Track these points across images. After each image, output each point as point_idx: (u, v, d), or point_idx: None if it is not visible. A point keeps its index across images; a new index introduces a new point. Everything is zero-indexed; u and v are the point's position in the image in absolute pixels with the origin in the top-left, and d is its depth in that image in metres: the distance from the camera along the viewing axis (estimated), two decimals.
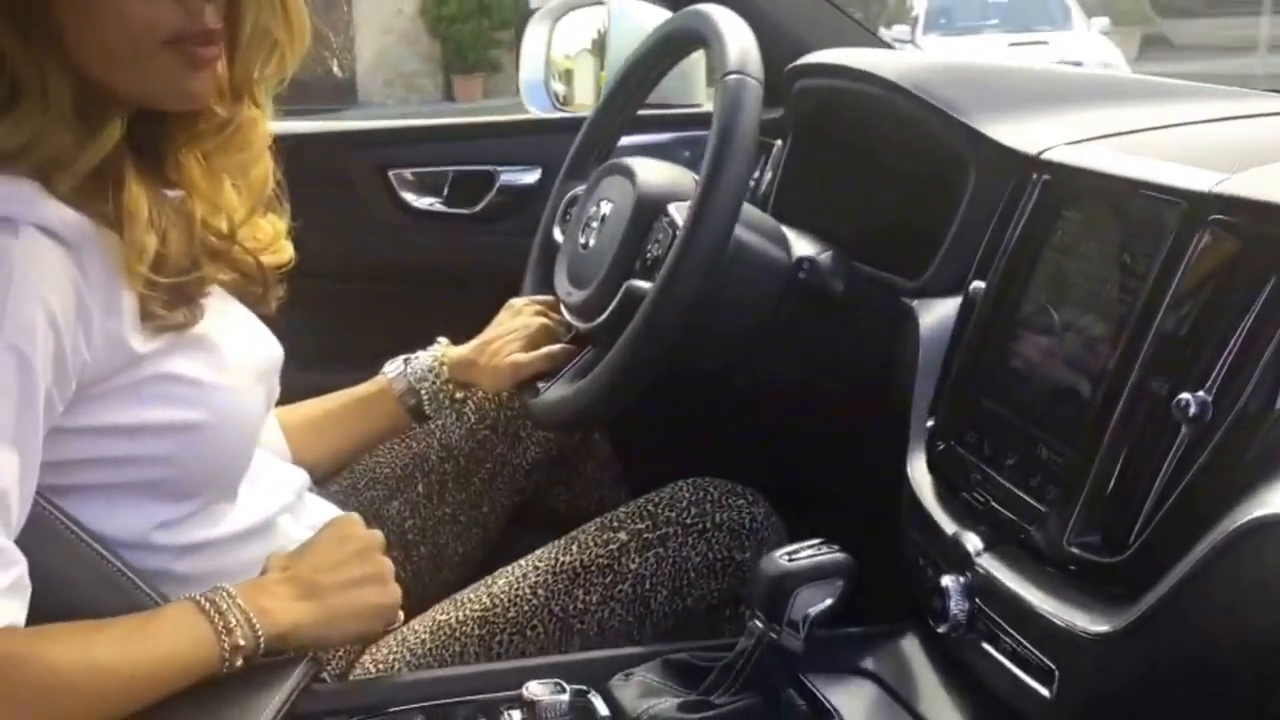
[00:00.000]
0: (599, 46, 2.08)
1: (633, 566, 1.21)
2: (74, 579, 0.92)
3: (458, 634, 1.17)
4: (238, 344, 1.06)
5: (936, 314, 1.20)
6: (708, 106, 1.91)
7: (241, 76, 1.03)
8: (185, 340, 1.00)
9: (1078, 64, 11.46)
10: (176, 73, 0.96)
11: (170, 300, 0.98)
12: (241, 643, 0.94)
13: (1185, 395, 0.80)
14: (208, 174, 1.07)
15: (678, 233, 1.20)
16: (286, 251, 1.16)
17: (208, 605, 0.94)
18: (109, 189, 0.95)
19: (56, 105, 0.92)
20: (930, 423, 1.12)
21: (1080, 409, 0.92)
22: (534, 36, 2.06)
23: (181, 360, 0.99)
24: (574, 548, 1.23)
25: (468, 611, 1.19)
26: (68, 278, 0.90)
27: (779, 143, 1.62)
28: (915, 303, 1.25)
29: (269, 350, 1.14)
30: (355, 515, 1.11)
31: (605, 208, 1.33)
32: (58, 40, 0.92)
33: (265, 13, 1.00)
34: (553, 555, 1.22)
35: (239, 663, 0.94)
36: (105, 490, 0.98)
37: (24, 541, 0.86)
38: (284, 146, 1.12)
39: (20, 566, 0.85)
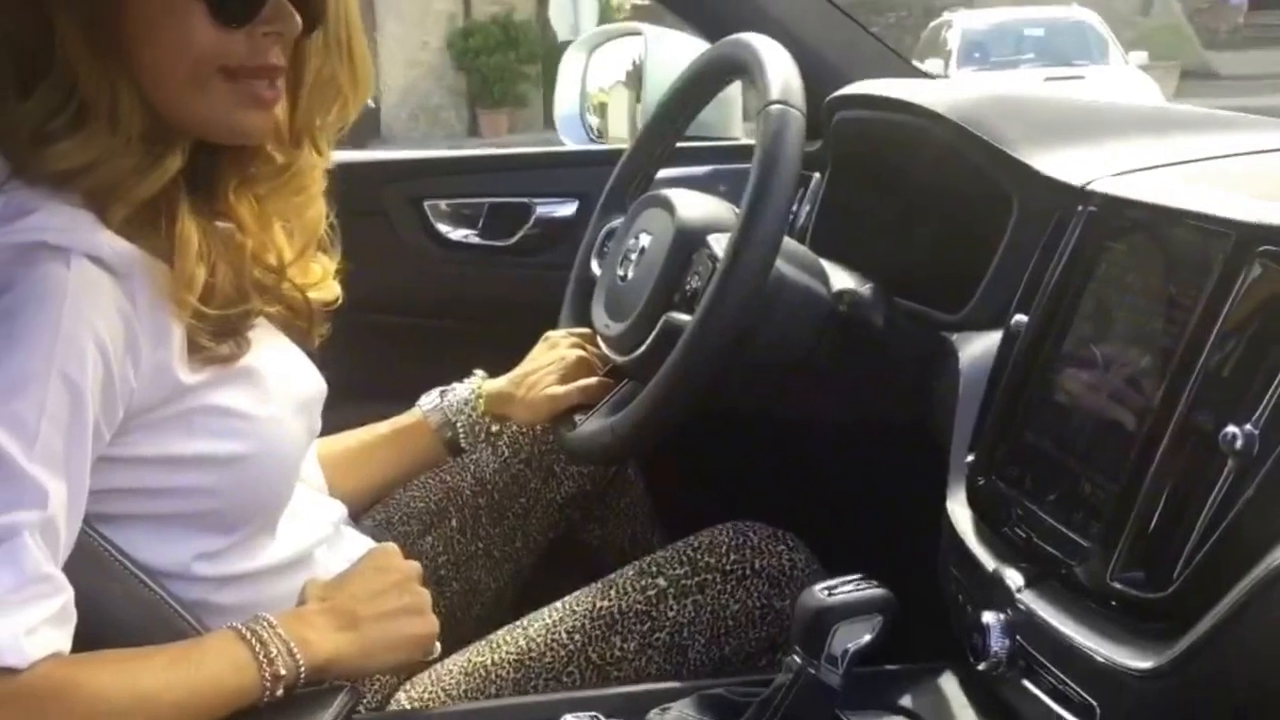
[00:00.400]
0: (634, 79, 2.11)
1: (671, 613, 1.22)
2: (117, 607, 0.94)
3: (492, 676, 1.19)
4: (282, 377, 1.08)
5: (977, 348, 1.21)
6: (745, 139, 1.94)
7: (303, 122, 1.06)
8: (231, 372, 1.02)
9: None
10: (234, 107, 0.99)
11: (217, 332, 1.00)
12: (283, 672, 0.96)
13: (1232, 429, 0.80)
14: (259, 215, 1.09)
15: (717, 265, 1.21)
16: (334, 290, 1.18)
17: (249, 635, 0.96)
18: (161, 220, 0.98)
19: (124, 128, 0.95)
20: (970, 457, 1.12)
21: (1124, 443, 0.92)
22: (569, 68, 2.09)
23: (227, 392, 1.01)
24: (611, 592, 1.24)
25: (503, 654, 1.20)
26: (117, 308, 0.93)
27: (816, 175, 1.64)
28: (955, 336, 1.26)
29: (312, 383, 1.16)
30: (393, 546, 1.12)
31: (644, 240, 1.35)
32: (128, 62, 0.95)
33: (332, 60, 1.04)
34: (590, 599, 1.23)
35: (280, 692, 0.96)
36: (149, 520, 1.00)
37: (69, 568, 0.88)
38: None
39: (66, 594, 0.87)
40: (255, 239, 1.09)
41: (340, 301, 1.18)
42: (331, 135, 1.10)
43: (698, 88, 1.44)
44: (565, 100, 2.10)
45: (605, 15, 14.99)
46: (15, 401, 0.86)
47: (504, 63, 16.62)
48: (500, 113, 16.73)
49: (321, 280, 1.17)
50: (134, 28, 0.95)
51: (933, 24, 14.88)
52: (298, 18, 0.99)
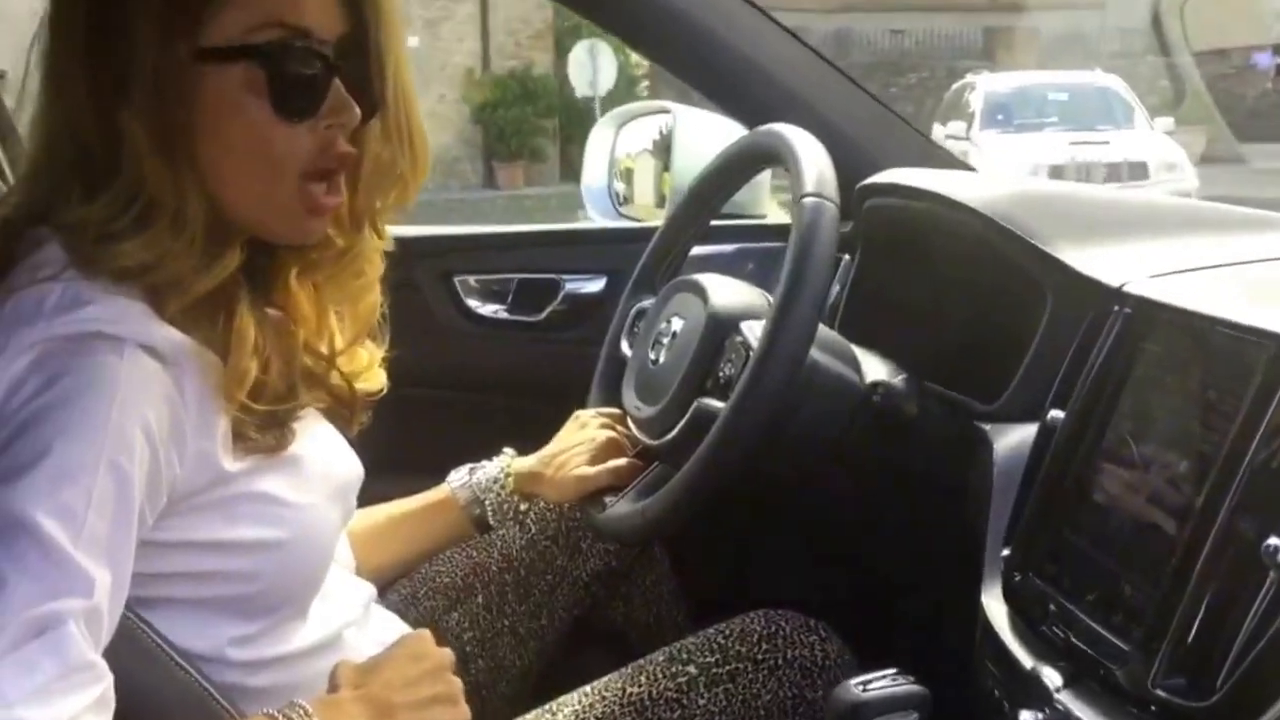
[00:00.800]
0: (660, 147, 2.15)
1: (701, 702, 1.23)
2: (155, 691, 0.96)
3: None
4: (322, 463, 1.10)
5: (1012, 440, 1.23)
6: (773, 218, 1.97)
7: (364, 205, 1.08)
8: (274, 460, 1.04)
9: (1141, 164, 11.53)
10: (297, 212, 1.02)
11: (263, 425, 1.02)
12: None
13: (1274, 540, 0.82)
14: (316, 303, 1.11)
15: (751, 354, 1.24)
16: (379, 380, 1.19)
17: None
18: (218, 313, 1.00)
19: (189, 230, 0.97)
20: (1006, 551, 1.14)
21: (1165, 547, 0.94)
22: (599, 141, 2.13)
23: (269, 479, 1.03)
24: (642, 678, 1.25)
25: None
26: (165, 396, 0.95)
27: (846, 257, 1.66)
28: (989, 427, 1.28)
29: (351, 469, 1.18)
30: (426, 633, 1.14)
31: (676, 324, 1.38)
32: (195, 163, 0.97)
33: (392, 145, 1.06)
34: (619, 684, 1.25)
35: None
36: (186, 604, 1.02)
37: (108, 652, 0.90)
38: None
39: (106, 681, 0.89)
40: (309, 327, 1.11)
41: (385, 390, 1.19)
42: (391, 216, 1.12)
43: (730, 174, 1.47)
44: (593, 173, 2.13)
45: (624, 71, 15.18)
46: (65, 491, 0.88)
47: (521, 116, 16.81)
48: (516, 165, 16.90)
49: (367, 369, 1.19)
50: (202, 129, 0.97)
51: (955, 86, 14.99)
52: (357, 109, 1.02)
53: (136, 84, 0.95)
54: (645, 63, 14.57)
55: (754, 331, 1.28)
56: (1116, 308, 1.10)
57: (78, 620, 0.86)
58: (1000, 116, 13.24)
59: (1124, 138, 12.14)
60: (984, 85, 13.98)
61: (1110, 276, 1.14)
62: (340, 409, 1.15)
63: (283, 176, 1.00)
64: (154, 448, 0.93)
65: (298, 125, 0.99)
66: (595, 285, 1.90)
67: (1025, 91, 13.88)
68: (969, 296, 1.47)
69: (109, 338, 0.92)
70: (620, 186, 2.18)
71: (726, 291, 1.35)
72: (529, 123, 16.90)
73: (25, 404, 0.90)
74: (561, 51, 16.32)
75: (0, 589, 0.83)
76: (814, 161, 1.26)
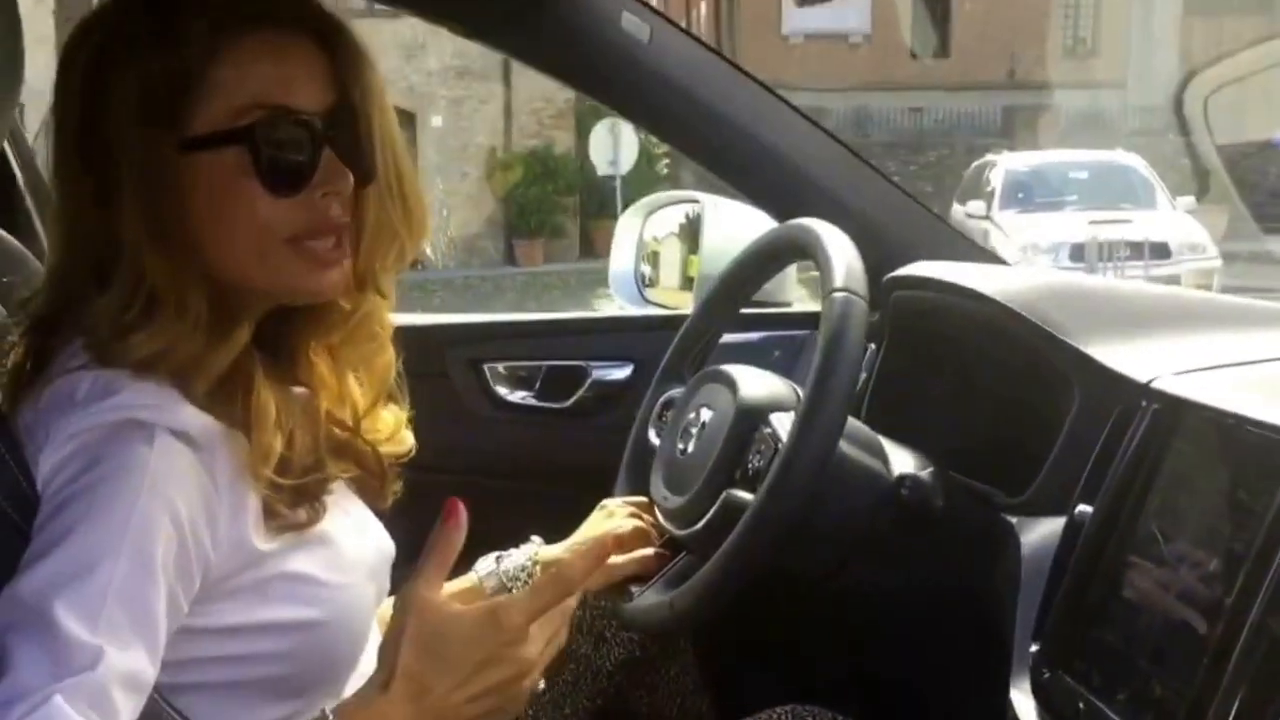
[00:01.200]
0: (685, 232, 2.19)
1: None
2: None
3: None
4: (355, 541, 1.12)
5: (1039, 533, 1.24)
6: (798, 306, 2.00)
7: (365, 267, 1.10)
8: (306, 538, 1.05)
9: (1163, 244, 11.54)
10: (301, 273, 1.04)
11: (293, 500, 1.04)
12: None
13: None
14: (334, 368, 1.14)
15: (780, 446, 1.25)
16: (407, 441, 1.21)
17: None
18: (237, 392, 1.02)
19: (192, 313, 1.00)
20: (1035, 647, 1.15)
21: (1196, 646, 0.95)
22: (626, 229, 2.17)
23: (302, 558, 1.05)
24: None
25: None
26: (197, 483, 0.97)
27: (872, 346, 1.68)
28: (1016, 520, 1.29)
29: (383, 546, 1.19)
30: (505, 602, 1.04)
31: (704, 415, 1.39)
32: (192, 247, 1.01)
33: (387, 206, 1.08)
34: None
35: None
36: (220, 688, 1.03)
37: None
38: None
39: None
40: (330, 392, 1.14)
41: (413, 453, 1.21)
42: (393, 277, 1.14)
43: (759, 266, 1.50)
44: (620, 260, 2.17)
45: (645, 150, 15.35)
46: (84, 577, 0.90)
47: (542, 194, 17.00)
48: (536, 243, 17.05)
49: (394, 433, 1.21)
50: (195, 213, 1.00)
51: (975, 164, 15.07)
52: (350, 176, 1.04)
53: (127, 181, 0.98)
54: None
55: (783, 424, 1.29)
56: (1144, 404, 1.11)
57: (82, 703, 0.87)
58: (1020, 195, 13.29)
59: (1146, 217, 12.14)
60: (1004, 164, 14.04)
61: (1137, 372, 1.15)
62: (370, 480, 1.17)
63: (274, 246, 1.02)
64: (183, 535, 0.95)
65: (290, 198, 1.02)
66: (622, 373, 1.92)
67: (1045, 170, 13.95)
68: (996, 388, 1.48)
69: (141, 424, 0.95)
70: (646, 269, 2.21)
71: (755, 383, 1.37)
72: (550, 200, 17.08)
73: (59, 491, 0.93)
74: (583, 130, 16.52)
75: (10, 671, 0.85)
76: (843, 256, 1.28)
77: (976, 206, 13.17)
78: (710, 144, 1.68)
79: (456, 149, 17.23)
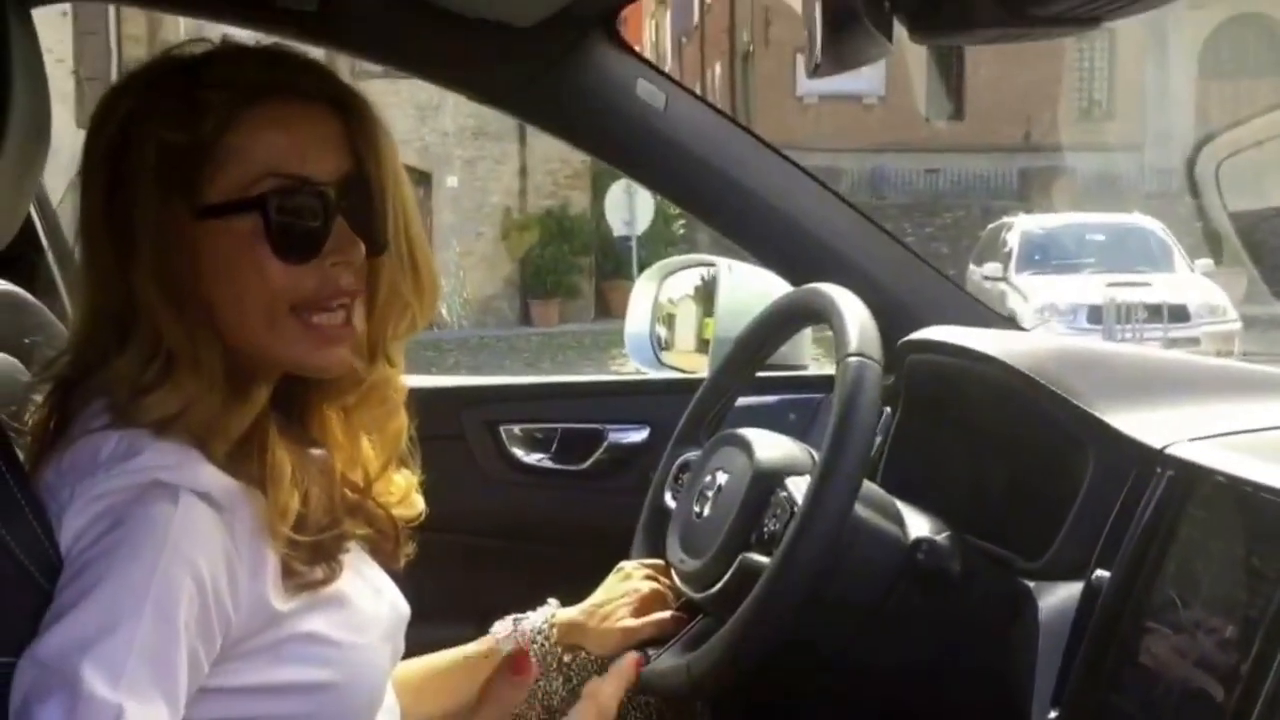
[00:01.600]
0: (702, 294, 2.21)
1: None
2: None
3: None
4: (370, 602, 1.13)
5: (1057, 598, 1.25)
6: (814, 369, 2.02)
7: (377, 337, 1.13)
8: (323, 599, 1.07)
9: (1181, 306, 11.53)
10: (310, 348, 1.07)
11: (311, 558, 1.05)
12: None
13: None
14: (348, 430, 1.16)
15: (796, 509, 1.26)
16: (417, 505, 1.23)
17: None
18: (253, 451, 1.04)
19: (208, 374, 1.02)
20: (1053, 714, 1.15)
21: (1213, 713, 0.95)
22: (642, 292, 2.19)
23: (319, 619, 1.06)
24: None
25: None
26: (219, 543, 0.99)
27: (888, 410, 1.70)
28: (1034, 584, 1.30)
29: (398, 608, 1.21)
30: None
31: (721, 478, 1.40)
32: (206, 310, 1.03)
33: (398, 276, 1.11)
34: None
35: None
36: None
37: None
38: None
39: None
40: (344, 454, 1.16)
41: (423, 516, 1.23)
42: (402, 346, 1.17)
43: (774, 330, 1.52)
44: (636, 323, 2.19)
45: (660, 211, 15.46)
46: (106, 637, 0.92)
47: (558, 254, 17.10)
48: (552, 303, 17.13)
49: (405, 497, 1.22)
50: (208, 277, 1.03)
51: (991, 226, 15.12)
52: (362, 246, 1.07)
53: (144, 245, 1.02)
54: None
55: (798, 487, 1.30)
56: (1159, 470, 1.12)
57: None
58: (1037, 257, 13.30)
59: (1164, 280, 12.14)
60: (1020, 225, 14.08)
61: (1152, 438, 1.17)
62: (383, 541, 1.19)
63: (287, 317, 1.05)
64: (204, 595, 0.97)
65: (302, 266, 1.04)
66: (638, 435, 1.94)
67: (1062, 232, 13.98)
68: (1011, 452, 1.49)
69: (165, 485, 0.97)
70: (662, 332, 2.23)
71: (771, 447, 1.38)
72: (565, 261, 17.18)
73: (83, 552, 0.95)
74: (599, 191, 16.66)
75: None
76: (857, 321, 1.30)
77: (993, 268, 13.19)
78: (725, 210, 1.71)
79: (472, 209, 17.38)
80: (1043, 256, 13.31)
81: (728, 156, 1.68)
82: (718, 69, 25.57)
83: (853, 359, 1.26)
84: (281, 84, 1.06)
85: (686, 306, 2.25)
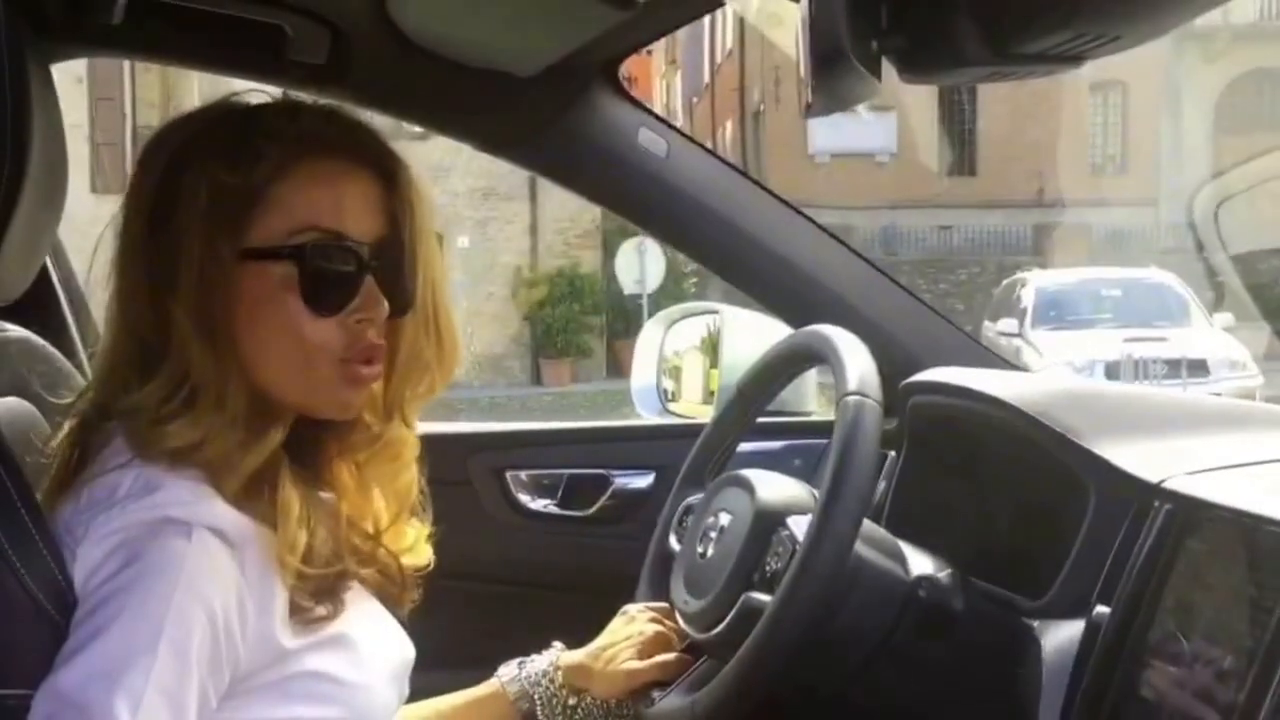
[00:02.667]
0: (707, 345, 2.23)
1: None
2: None
3: None
4: (376, 643, 1.16)
5: (1060, 636, 1.26)
6: (818, 415, 2.04)
7: (394, 396, 1.17)
8: (328, 638, 1.09)
9: (1201, 361, 11.50)
10: (338, 387, 1.12)
11: (316, 593, 1.08)
12: None
13: None
14: (359, 482, 1.20)
15: (797, 548, 1.28)
16: (426, 555, 1.26)
17: None
18: (264, 488, 1.08)
19: (231, 409, 1.06)
20: None
21: None
22: (647, 341, 2.22)
23: (325, 658, 1.09)
24: None
25: None
26: (231, 579, 1.02)
27: (892, 453, 1.72)
28: (1037, 624, 1.31)
29: (403, 651, 1.23)
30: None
31: (724, 519, 1.42)
32: (235, 349, 1.08)
33: (421, 339, 1.16)
34: None
35: None
36: None
37: None
38: None
39: None
40: (354, 505, 1.19)
41: (431, 566, 1.25)
42: (419, 409, 1.21)
43: (775, 373, 1.54)
44: (642, 372, 2.22)
45: (672, 269, 15.53)
46: (123, 671, 0.95)
47: (569, 313, 17.16)
48: (563, 363, 17.16)
49: (414, 545, 1.25)
50: (241, 317, 1.08)
51: (1006, 282, 15.12)
52: (386, 305, 1.12)
53: (184, 278, 1.06)
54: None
55: (800, 526, 1.32)
56: (1157, 504, 1.14)
57: None
58: (1053, 313, 13.28)
59: (1182, 334, 12.09)
60: (1035, 281, 14.08)
61: (1150, 473, 1.19)
62: (390, 586, 1.21)
63: (316, 362, 1.10)
64: (215, 630, 0.99)
65: (328, 318, 1.10)
66: (643, 481, 1.96)
67: (1078, 288, 13.97)
68: (1013, 493, 1.51)
69: (179, 522, 1.00)
70: (669, 384, 2.26)
71: (772, 486, 1.40)
72: (576, 320, 17.23)
73: (99, 588, 0.98)
74: (609, 250, 16.74)
75: None
76: (856, 361, 1.32)
77: (1008, 324, 13.17)
78: (727, 255, 1.74)
79: (483, 269, 17.47)
80: (1058, 312, 13.28)
81: (729, 202, 1.71)
82: (729, 128, 25.79)
83: (852, 398, 1.28)
84: (332, 142, 1.12)
85: (692, 358, 2.28)
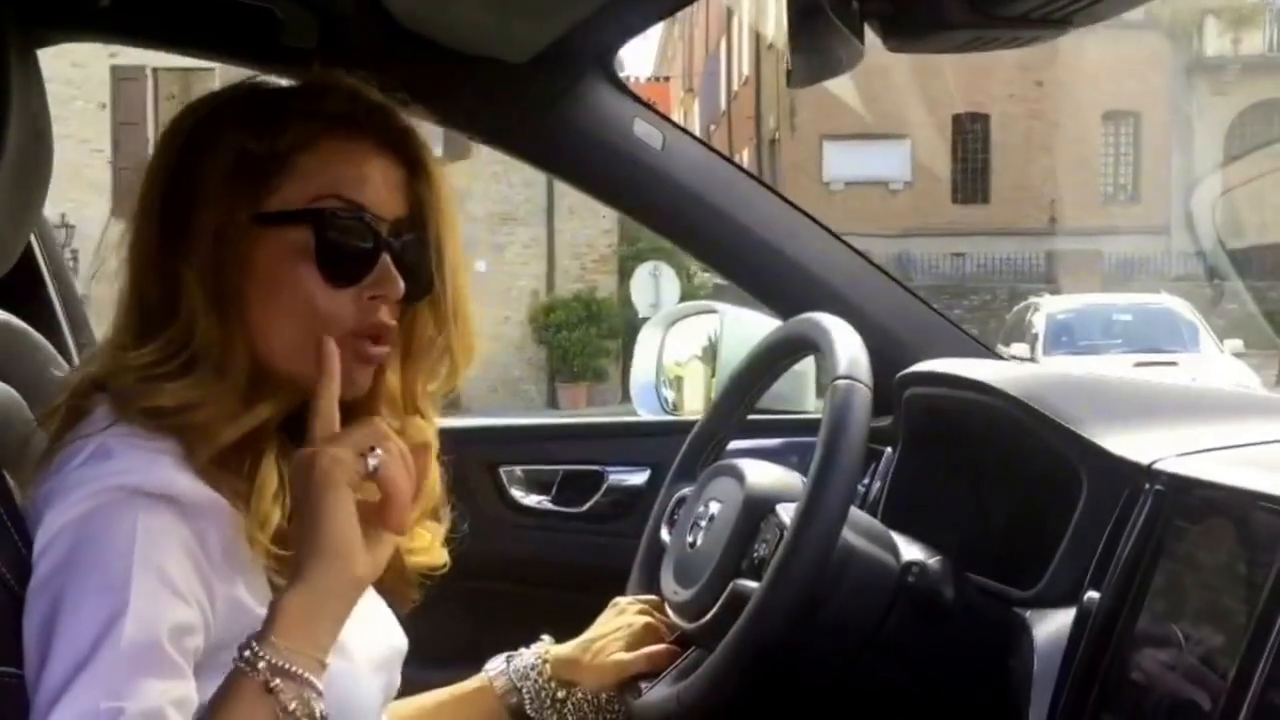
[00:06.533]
0: (710, 354, 2.21)
1: None
2: None
3: None
4: (360, 630, 1.11)
5: (1052, 625, 1.23)
6: (817, 413, 2.01)
7: (410, 387, 1.15)
8: None
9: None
10: (345, 362, 1.07)
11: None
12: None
13: None
14: None
15: (785, 533, 1.25)
16: (441, 556, 1.23)
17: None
18: (244, 462, 1.05)
19: (231, 377, 1.04)
20: None
21: None
22: (647, 341, 2.20)
23: None
24: None
25: None
26: (185, 549, 0.98)
27: (888, 450, 1.69)
28: (1029, 613, 1.28)
29: (393, 641, 1.19)
30: None
31: (713, 507, 1.39)
32: (244, 318, 1.05)
33: (436, 326, 1.13)
34: None
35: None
36: None
37: None
38: None
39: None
40: None
41: (448, 568, 1.22)
42: (439, 399, 1.17)
43: (769, 362, 1.51)
44: (641, 372, 2.20)
45: (686, 292, 15.53)
46: (101, 646, 0.92)
47: (585, 338, 17.19)
48: (579, 386, 17.18)
49: (429, 546, 1.22)
50: (253, 286, 1.06)
51: (1017, 307, 15.13)
52: (401, 284, 1.09)
53: (199, 241, 1.05)
54: (708, 282, 14.91)
55: (789, 513, 1.29)
56: (1148, 486, 1.11)
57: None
58: (1064, 338, 13.28)
59: (1192, 359, 12.08)
60: (1047, 307, 14.09)
61: (1141, 455, 1.16)
62: (397, 583, 1.18)
63: (326, 334, 1.06)
64: (178, 593, 0.96)
65: (342, 291, 1.07)
66: (639, 477, 1.93)
67: (1089, 313, 13.98)
68: (1009, 484, 1.48)
69: (130, 490, 0.97)
70: (671, 394, 2.23)
71: (762, 474, 1.38)
72: (592, 344, 17.25)
73: (56, 559, 0.95)
74: (625, 274, 16.78)
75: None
76: (846, 346, 1.30)
77: (1020, 349, 13.14)
78: (722, 247, 1.72)
79: (500, 293, 17.50)
80: (1069, 337, 13.29)
81: (724, 194, 1.69)
82: (745, 155, 25.84)
83: (841, 382, 1.26)
84: (358, 122, 1.10)
85: (694, 367, 2.25)
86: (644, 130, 1.61)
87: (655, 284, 15.14)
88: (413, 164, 1.12)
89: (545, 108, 1.56)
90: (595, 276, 17.92)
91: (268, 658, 0.94)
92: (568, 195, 17.26)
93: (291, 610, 0.97)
